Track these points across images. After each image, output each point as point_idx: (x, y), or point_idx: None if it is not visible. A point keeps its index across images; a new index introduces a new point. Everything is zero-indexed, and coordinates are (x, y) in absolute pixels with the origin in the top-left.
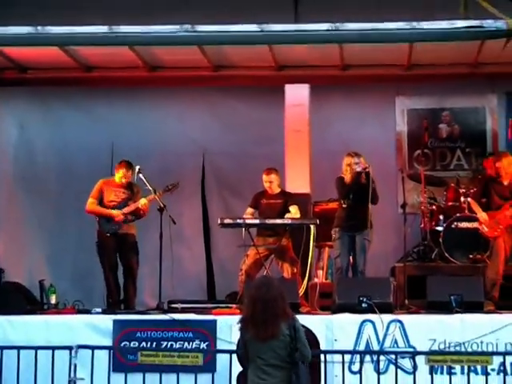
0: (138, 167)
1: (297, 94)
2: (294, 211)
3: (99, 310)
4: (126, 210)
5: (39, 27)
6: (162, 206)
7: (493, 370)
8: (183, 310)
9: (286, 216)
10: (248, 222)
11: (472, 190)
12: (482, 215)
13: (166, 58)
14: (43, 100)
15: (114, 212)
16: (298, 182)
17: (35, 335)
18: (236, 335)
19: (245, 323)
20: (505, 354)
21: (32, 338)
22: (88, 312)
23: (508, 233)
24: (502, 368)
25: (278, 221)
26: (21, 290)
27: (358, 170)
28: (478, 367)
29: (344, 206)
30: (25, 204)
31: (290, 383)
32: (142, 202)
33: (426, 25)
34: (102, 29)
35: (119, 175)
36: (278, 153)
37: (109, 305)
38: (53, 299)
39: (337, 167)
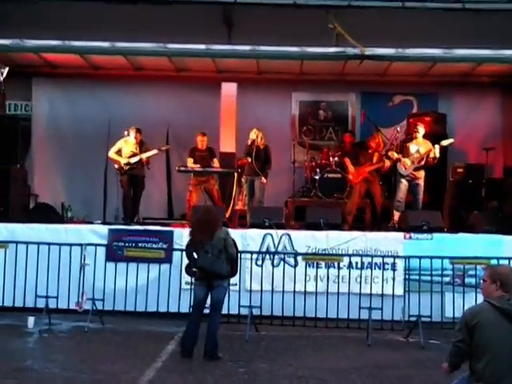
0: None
1: (229, 89)
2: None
3: (99, 222)
4: (131, 159)
5: (66, 41)
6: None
7: (344, 265)
8: (152, 223)
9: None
10: (196, 170)
11: (338, 153)
12: (351, 168)
13: (146, 63)
14: (65, 87)
15: (122, 161)
16: (228, 144)
17: (59, 237)
18: (185, 241)
19: (192, 232)
20: (350, 255)
21: (57, 239)
22: (92, 223)
23: (363, 182)
24: (349, 265)
25: (215, 170)
26: (50, 208)
27: (257, 143)
28: (335, 263)
29: (249, 161)
30: (51, 154)
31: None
32: (143, 156)
33: (311, 49)
34: (105, 44)
35: (132, 135)
36: (216, 126)
37: (124, 220)
38: (69, 214)
39: None
